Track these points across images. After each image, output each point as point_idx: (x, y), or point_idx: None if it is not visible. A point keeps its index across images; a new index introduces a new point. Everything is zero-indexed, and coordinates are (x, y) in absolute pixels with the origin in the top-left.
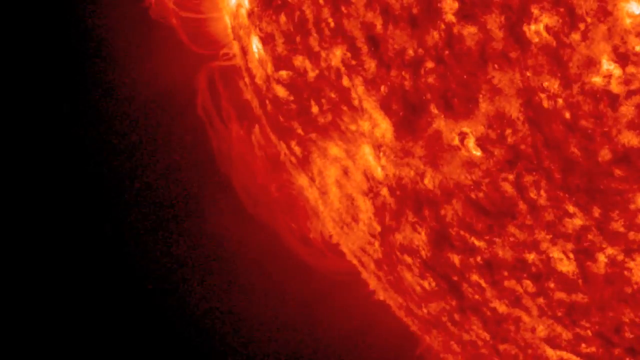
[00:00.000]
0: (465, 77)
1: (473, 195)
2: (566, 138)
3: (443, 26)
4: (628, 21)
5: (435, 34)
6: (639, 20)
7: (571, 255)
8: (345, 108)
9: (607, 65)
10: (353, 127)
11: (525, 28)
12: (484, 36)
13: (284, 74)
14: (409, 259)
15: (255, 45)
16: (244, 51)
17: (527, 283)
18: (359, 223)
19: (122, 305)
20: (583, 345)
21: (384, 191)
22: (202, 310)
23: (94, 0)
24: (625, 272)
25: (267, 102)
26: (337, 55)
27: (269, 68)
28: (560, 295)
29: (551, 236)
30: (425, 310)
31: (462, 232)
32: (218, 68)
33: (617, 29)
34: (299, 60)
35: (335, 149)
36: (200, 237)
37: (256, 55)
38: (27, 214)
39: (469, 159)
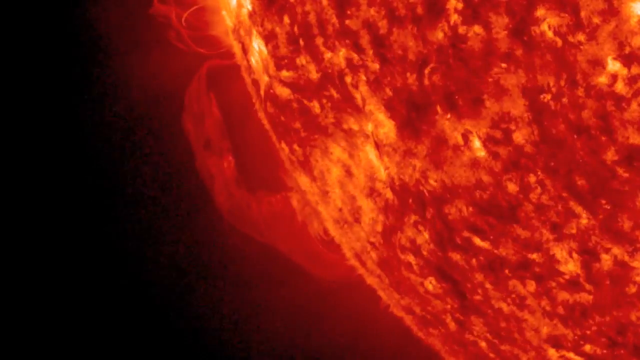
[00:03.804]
0: (470, 77)
1: (477, 195)
2: (571, 138)
3: (448, 26)
4: (634, 21)
5: (440, 34)
6: None
7: (575, 256)
8: (348, 108)
9: (613, 65)
10: (356, 128)
11: (530, 28)
12: (489, 36)
13: (286, 73)
14: (411, 259)
15: (257, 45)
16: (245, 51)
17: (531, 283)
18: (361, 223)
19: (122, 307)
20: (587, 345)
21: (387, 191)
22: (200, 313)
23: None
24: (630, 272)
25: (269, 102)
26: (340, 55)
27: (271, 68)
28: (564, 295)
29: (555, 236)
30: (426, 310)
31: (465, 232)
32: (218, 68)
33: (622, 29)
34: (302, 60)
35: (337, 150)
36: (198, 239)
37: (257, 55)
38: (25, 214)
39: (473, 159)
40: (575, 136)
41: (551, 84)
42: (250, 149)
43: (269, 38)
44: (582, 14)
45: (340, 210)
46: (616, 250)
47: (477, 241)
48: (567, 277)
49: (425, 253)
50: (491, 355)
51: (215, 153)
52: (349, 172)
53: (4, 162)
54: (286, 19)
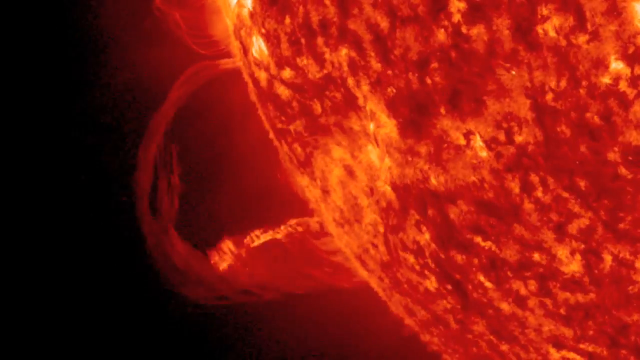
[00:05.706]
0: (472, 77)
1: (479, 195)
2: (574, 138)
3: (450, 26)
4: (637, 21)
5: (442, 34)
6: None
7: (577, 255)
8: (349, 108)
9: (616, 65)
10: (357, 127)
11: (534, 28)
12: (491, 36)
13: (287, 74)
14: (412, 259)
15: (258, 45)
16: (245, 51)
17: (533, 283)
18: (362, 223)
19: (122, 306)
20: (588, 345)
21: (388, 191)
22: (202, 316)
23: None
24: (632, 272)
25: (269, 102)
26: (342, 55)
27: (272, 68)
28: (566, 295)
29: (557, 236)
30: (427, 310)
31: (467, 232)
32: (218, 68)
33: (626, 29)
34: (303, 60)
35: (338, 150)
36: (191, 240)
37: (258, 56)
38: (22, 211)
39: (475, 159)
40: (578, 136)
41: (554, 84)
42: (250, 149)
43: (270, 38)
44: (586, 14)
45: (341, 210)
46: (618, 250)
47: (479, 241)
48: (569, 277)
49: (426, 253)
50: (492, 355)
51: (162, 221)
52: (350, 172)
53: (3, 159)
54: (287, 19)
